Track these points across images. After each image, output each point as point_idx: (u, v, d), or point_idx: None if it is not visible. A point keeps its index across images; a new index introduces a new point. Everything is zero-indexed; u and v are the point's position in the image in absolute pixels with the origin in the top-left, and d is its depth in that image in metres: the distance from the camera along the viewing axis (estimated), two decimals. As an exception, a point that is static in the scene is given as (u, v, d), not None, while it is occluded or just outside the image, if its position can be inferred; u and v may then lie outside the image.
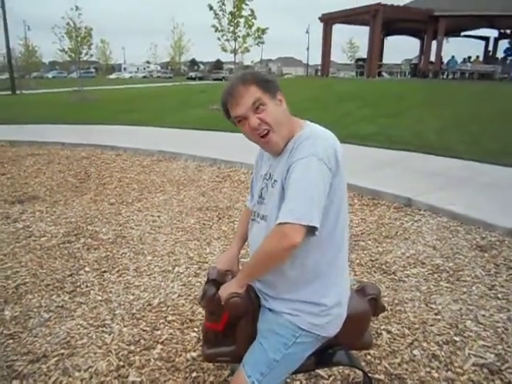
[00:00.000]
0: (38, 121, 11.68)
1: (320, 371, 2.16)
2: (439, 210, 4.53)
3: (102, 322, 2.62)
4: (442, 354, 2.32)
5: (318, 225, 1.33)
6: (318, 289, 1.50)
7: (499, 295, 2.93)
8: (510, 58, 23.44)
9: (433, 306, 2.80)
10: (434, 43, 25.41)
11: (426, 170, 6.17)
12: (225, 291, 1.50)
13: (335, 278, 1.54)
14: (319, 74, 31.10)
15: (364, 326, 1.70)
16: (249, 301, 1.55)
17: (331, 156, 1.39)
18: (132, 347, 2.38)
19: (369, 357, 2.29)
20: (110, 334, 2.49)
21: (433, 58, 25.74)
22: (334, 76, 33.47)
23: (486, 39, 29.32)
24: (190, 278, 3.18)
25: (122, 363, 2.24)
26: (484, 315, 2.68)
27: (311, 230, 1.34)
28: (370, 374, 1.99)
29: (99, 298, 2.91)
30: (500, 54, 25.53)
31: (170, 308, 2.77)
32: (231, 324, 1.57)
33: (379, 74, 26.44)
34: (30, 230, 4.14)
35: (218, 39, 14.83)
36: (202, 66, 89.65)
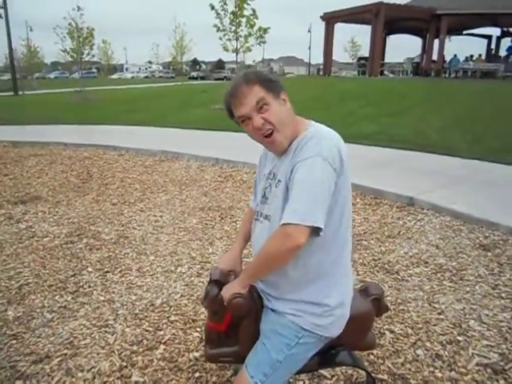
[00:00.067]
0: (41, 121, 11.70)
1: (323, 371, 2.16)
2: (442, 209, 4.52)
3: (105, 323, 2.62)
4: (446, 353, 2.31)
5: (322, 225, 1.33)
6: (321, 289, 1.49)
7: (503, 294, 2.92)
8: (512, 56, 23.37)
9: (436, 305, 2.79)
10: (437, 42, 25.37)
11: (428, 169, 6.15)
12: (227, 291, 1.50)
13: (339, 277, 1.53)
14: (321, 73, 31.10)
15: (367, 327, 1.70)
16: (251, 301, 1.54)
17: (336, 156, 1.38)
18: (135, 347, 2.38)
19: (372, 357, 2.28)
20: (112, 335, 2.49)
21: (435, 57, 25.68)
22: (336, 75, 33.48)
23: (488, 37, 29.24)
24: (192, 278, 3.18)
25: (124, 363, 2.24)
26: (487, 315, 2.67)
27: (315, 231, 1.34)
28: (373, 374, 1.99)
29: (102, 298, 2.91)
30: (503, 53, 25.44)
31: (172, 308, 2.77)
32: (234, 324, 1.57)
33: (381, 73, 26.40)
34: (33, 230, 4.15)
35: (220, 39, 14.80)
36: (203, 66, 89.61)
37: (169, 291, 2.99)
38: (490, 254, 3.57)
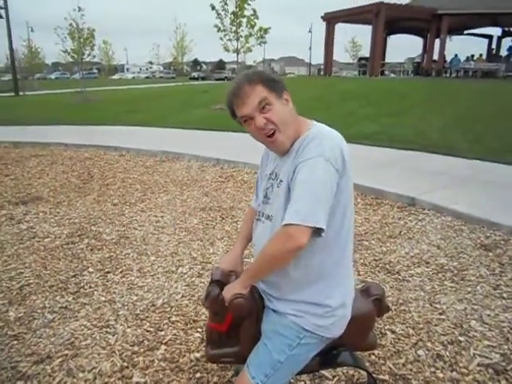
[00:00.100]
0: (41, 122, 11.72)
1: (324, 372, 2.16)
2: (443, 209, 4.51)
3: (106, 323, 2.62)
4: (447, 354, 2.31)
5: (324, 226, 1.33)
6: (323, 289, 1.49)
7: (504, 295, 2.92)
8: (513, 55, 23.34)
9: (437, 305, 2.78)
10: (437, 42, 25.36)
11: (429, 169, 6.15)
12: (229, 292, 1.50)
13: (341, 278, 1.53)
14: (322, 73, 31.10)
15: (368, 327, 1.70)
16: (253, 302, 1.54)
17: (338, 156, 1.38)
18: (136, 348, 2.38)
19: (373, 357, 2.28)
20: (113, 335, 2.49)
21: (436, 57, 25.68)
22: (337, 75, 33.49)
23: (489, 37, 29.23)
24: (193, 279, 3.17)
25: (125, 364, 2.24)
26: (489, 315, 2.67)
27: (317, 232, 1.34)
28: (374, 375, 1.98)
29: (103, 298, 2.91)
30: (503, 52, 25.42)
31: (173, 308, 2.77)
32: (235, 325, 1.57)
33: (382, 73, 26.39)
34: (34, 230, 4.15)
35: (221, 39, 14.80)
36: (204, 66, 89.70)
37: (170, 292, 2.99)
38: (491, 254, 3.57)
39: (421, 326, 2.56)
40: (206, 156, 7.14)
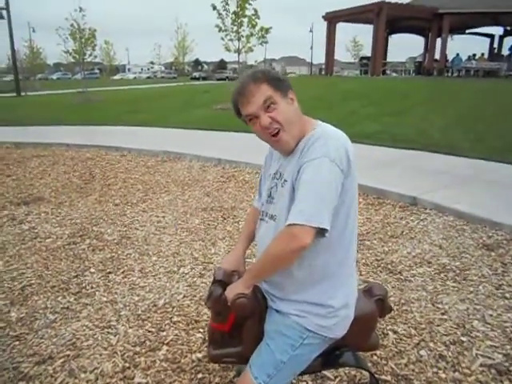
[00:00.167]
0: (43, 122, 11.73)
1: (326, 372, 2.15)
2: (445, 209, 4.50)
3: (108, 323, 2.62)
4: (449, 354, 2.30)
5: (328, 227, 1.32)
6: (326, 289, 1.49)
7: (507, 294, 2.91)
8: (515, 55, 23.29)
9: (439, 305, 2.78)
10: (439, 41, 25.32)
11: (431, 169, 6.14)
12: (231, 292, 1.49)
13: (345, 278, 1.53)
14: (323, 72, 31.07)
15: (371, 327, 1.69)
16: (255, 301, 1.54)
17: (343, 156, 1.37)
18: (137, 348, 2.38)
19: (375, 357, 2.27)
20: (115, 335, 2.49)
21: (437, 56, 25.66)
22: (338, 75, 33.41)
23: (491, 36, 29.19)
24: (195, 279, 3.17)
25: (127, 364, 2.24)
26: (491, 315, 2.66)
27: (321, 232, 1.33)
28: (376, 375, 1.98)
29: (104, 299, 2.91)
30: (505, 52, 25.37)
31: (175, 309, 2.77)
32: (237, 325, 1.56)
33: (383, 73, 26.36)
34: (36, 231, 4.15)
35: (222, 39, 14.77)
36: (205, 66, 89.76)
37: (171, 292, 2.99)
38: (493, 253, 3.56)
39: (423, 326, 2.55)
40: (207, 156, 7.14)
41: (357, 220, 1.54)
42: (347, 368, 2.15)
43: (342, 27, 28.16)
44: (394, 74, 28.33)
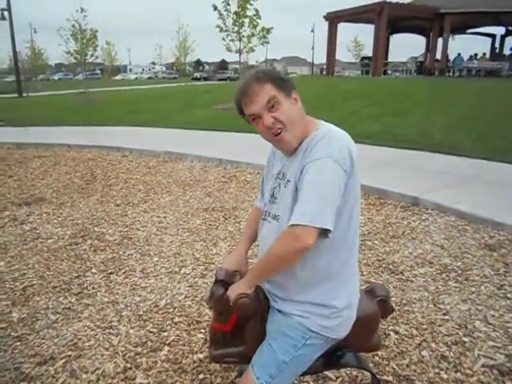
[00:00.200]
0: (45, 123, 11.75)
1: (328, 373, 2.15)
2: (446, 209, 4.49)
3: (109, 324, 2.62)
4: (451, 354, 2.29)
5: (331, 227, 1.32)
6: (330, 290, 1.48)
7: (509, 295, 2.90)
8: (517, 54, 23.25)
9: (441, 306, 2.77)
10: (440, 41, 25.28)
11: (432, 169, 6.13)
12: (233, 292, 1.49)
13: (348, 278, 1.53)
14: (324, 72, 31.06)
15: (373, 328, 1.69)
16: (257, 302, 1.53)
17: (346, 156, 1.37)
18: (139, 349, 2.38)
19: (377, 358, 2.27)
20: (116, 336, 2.49)
21: (439, 56, 25.62)
22: (340, 75, 33.40)
23: (492, 36, 29.14)
24: (196, 279, 3.17)
25: (129, 365, 2.24)
26: (493, 315, 2.65)
27: (324, 233, 1.33)
28: (378, 376, 1.98)
29: (106, 299, 2.91)
30: (507, 51, 25.33)
31: (176, 309, 2.77)
32: (239, 325, 1.56)
33: (385, 73, 26.34)
34: (37, 231, 4.16)
35: (223, 39, 14.78)
36: (206, 67, 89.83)
37: (173, 292, 2.98)
38: (495, 254, 3.55)
39: (425, 326, 2.55)
40: (208, 156, 7.14)
41: (359, 220, 1.54)
42: (349, 368, 2.15)
43: (343, 27, 28.17)
44: (397, 74, 28.30)
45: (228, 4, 14.20)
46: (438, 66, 24.97)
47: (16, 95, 24.12)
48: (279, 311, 1.54)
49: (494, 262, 3.41)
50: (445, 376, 2.13)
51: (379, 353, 2.28)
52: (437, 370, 2.18)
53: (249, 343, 1.57)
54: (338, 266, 1.49)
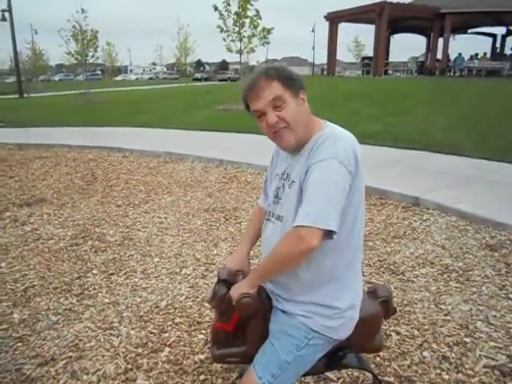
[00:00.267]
0: (45, 124, 11.77)
1: (329, 374, 2.14)
2: (448, 209, 4.49)
3: (110, 325, 2.62)
4: (453, 355, 2.29)
5: (335, 229, 1.31)
6: (334, 291, 1.48)
7: (510, 295, 2.89)
8: (517, 54, 23.22)
9: (442, 306, 2.76)
10: (441, 40, 25.26)
11: (433, 169, 6.12)
12: (236, 291, 1.49)
13: (352, 280, 1.53)
14: (325, 73, 31.06)
15: (375, 329, 1.68)
16: (260, 301, 1.53)
17: (351, 157, 1.37)
18: (140, 350, 2.37)
19: (378, 359, 2.26)
20: (117, 337, 2.49)
21: (440, 56, 25.59)
22: (340, 75, 33.41)
23: (493, 36, 29.10)
24: (197, 280, 3.17)
25: (129, 366, 2.24)
26: (495, 316, 2.65)
27: (328, 234, 1.33)
28: (379, 377, 1.97)
29: (107, 300, 2.91)
30: (508, 51, 25.31)
31: (177, 310, 2.76)
32: (241, 324, 1.56)
33: (385, 73, 26.32)
34: (38, 232, 4.16)
35: (224, 40, 14.76)
36: (207, 67, 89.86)
37: (173, 293, 2.98)
38: (496, 254, 3.54)
39: (426, 327, 2.54)
40: (209, 157, 7.14)
41: (364, 221, 1.53)
42: (350, 369, 2.14)
43: (343, 27, 28.14)
44: (398, 74, 28.27)
45: (228, 4, 14.20)
46: (438, 66, 24.95)
47: (17, 96, 24.18)
48: (282, 311, 1.54)
49: (496, 262, 3.40)
50: (446, 377, 2.13)
51: (380, 353, 2.28)
52: (438, 371, 2.17)
53: (251, 343, 1.57)
54: (343, 267, 1.48)
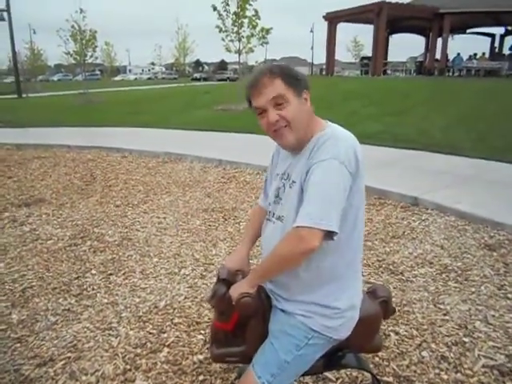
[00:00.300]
0: (44, 124, 11.75)
1: (328, 374, 2.14)
2: (446, 209, 4.49)
3: (109, 325, 2.61)
4: (451, 355, 2.29)
5: (336, 229, 1.31)
6: (334, 291, 1.48)
7: (509, 295, 2.90)
8: (516, 54, 23.24)
9: (441, 306, 2.77)
10: (440, 40, 25.29)
11: (432, 169, 6.12)
12: (236, 291, 1.48)
13: (352, 280, 1.53)
14: (324, 72, 31.06)
15: (375, 329, 1.69)
16: (259, 301, 1.53)
17: (352, 158, 1.37)
18: (138, 350, 2.37)
19: (377, 359, 2.26)
20: (116, 337, 2.49)
21: (438, 56, 25.62)
22: (339, 75, 33.40)
23: (492, 36, 29.14)
24: (196, 280, 3.17)
25: (128, 367, 2.24)
26: (494, 315, 2.65)
27: (329, 235, 1.33)
28: (378, 377, 1.97)
29: (105, 300, 2.91)
30: (506, 51, 25.32)
31: (176, 310, 2.76)
32: (241, 324, 1.56)
33: (384, 73, 26.34)
34: (37, 233, 4.15)
35: (222, 40, 14.75)
36: (206, 67, 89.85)
37: (172, 293, 2.98)
38: (495, 253, 3.55)
39: (425, 327, 2.55)
40: (208, 157, 7.13)
41: (364, 222, 1.53)
42: (349, 369, 2.14)
43: (342, 27, 28.17)
44: (397, 74, 28.29)
45: (227, 4, 14.19)
46: (437, 66, 24.97)
47: (15, 96, 24.13)
48: (282, 311, 1.54)
49: (494, 262, 3.40)
50: (445, 377, 2.13)
51: (379, 353, 2.28)
52: (437, 371, 2.17)
53: (250, 343, 1.57)
54: (343, 267, 1.48)
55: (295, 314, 1.49)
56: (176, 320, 2.65)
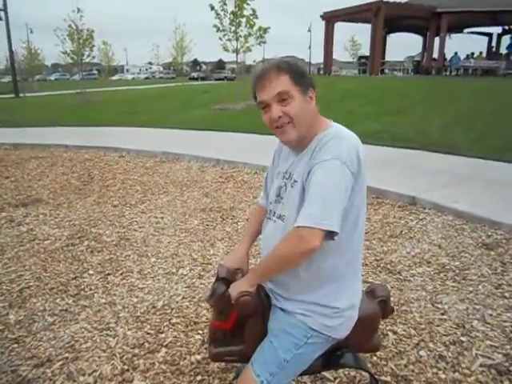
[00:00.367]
0: (41, 123, 11.72)
1: (326, 373, 2.14)
2: (444, 209, 4.50)
3: (107, 326, 2.61)
4: (449, 354, 2.29)
5: (337, 230, 1.31)
6: (334, 291, 1.48)
7: (506, 294, 2.90)
8: (513, 53, 23.28)
9: (439, 305, 2.77)
10: (437, 40, 25.32)
11: (430, 168, 6.13)
12: (235, 290, 1.48)
13: (353, 280, 1.53)
14: (321, 72, 31.07)
15: (374, 329, 1.69)
16: (259, 300, 1.53)
17: (354, 158, 1.36)
18: (136, 350, 2.37)
19: (375, 358, 2.26)
20: (114, 338, 2.48)
21: (436, 55, 25.64)
22: (337, 74, 33.45)
23: (489, 35, 29.19)
24: (193, 280, 3.16)
25: (126, 367, 2.23)
26: (491, 315, 2.65)
27: (330, 235, 1.33)
28: (376, 376, 1.97)
29: (103, 300, 2.90)
30: (503, 50, 25.37)
31: (174, 310, 2.76)
32: (240, 323, 1.55)
33: (382, 72, 26.36)
34: (34, 233, 4.14)
35: (220, 39, 14.74)
36: (204, 66, 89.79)
37: (170, 293, 2.98)
38: (492, 253, 3.55)
39: (422, 326, 2.55)
40: (205, 156, 7.12)
41: (365, 222, 1.53)
42: (347, 369, 2.14)
43: (340, 27, 28.15)
44: (394, 73, 28.31)
45: (225, 4, 14.18)
46: (434, 65, 24.98)
47: (13, 96, 24.06)
48: (281, 309, 1.54)
49: (492, 261, 3.41)
50: (443, 376, 2.13)
51: (377, 353, 2.28)
52: (435, 370, 2.17)
53: (249, 342, 1.57)
54: (344, 267, 1.48)
55: (295, 313, 1.49)
56: (174, 320, 2.65)
